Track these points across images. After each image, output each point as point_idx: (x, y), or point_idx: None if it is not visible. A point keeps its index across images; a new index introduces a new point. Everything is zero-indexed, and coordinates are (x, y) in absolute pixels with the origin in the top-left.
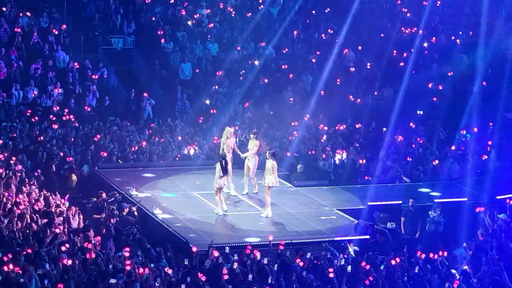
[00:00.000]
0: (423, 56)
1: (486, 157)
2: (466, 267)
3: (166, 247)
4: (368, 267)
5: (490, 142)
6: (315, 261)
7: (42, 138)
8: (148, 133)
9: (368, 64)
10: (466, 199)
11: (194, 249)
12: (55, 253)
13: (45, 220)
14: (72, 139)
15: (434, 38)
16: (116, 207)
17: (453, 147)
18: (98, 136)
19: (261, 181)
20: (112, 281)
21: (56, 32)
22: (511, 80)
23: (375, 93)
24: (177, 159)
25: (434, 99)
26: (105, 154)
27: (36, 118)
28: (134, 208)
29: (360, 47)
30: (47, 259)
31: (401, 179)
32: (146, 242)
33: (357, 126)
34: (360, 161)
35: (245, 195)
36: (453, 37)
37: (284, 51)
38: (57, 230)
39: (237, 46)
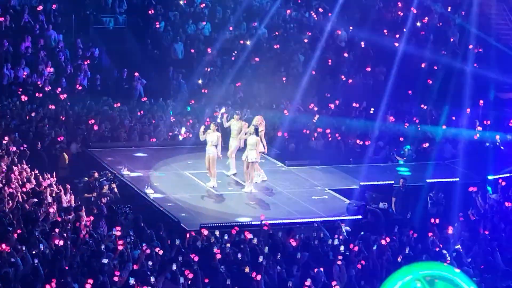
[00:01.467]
0: (416, 36)
1: (478, 135)
2: (459, 246)
3: (158, 226)
4: (356, 249)
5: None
6: (307, 241)
7: (32, 116)
8: (140, 113)
9: (362, 43)
10: (458, 179)
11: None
12: (47, 233)
13: (35, 200)
14: (63, 118)
15: (426, 18)
16: (97, 184)
17: (444, 127)
18: (93, 121)
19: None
20: (104, 261)
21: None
22: (502, 60)
23: (368, 69)
24: (168, 138)
25: (429, 81)
26: (96, 127)
27: (27, 97)
28: (113, 185)
29: (351, 27)
30: (40, 239)
31: (394, 158)
32: (141, 222)
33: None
34: (359, 142)
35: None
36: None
37: (276, 33)
38: (51, 210)
39: (229, 26)
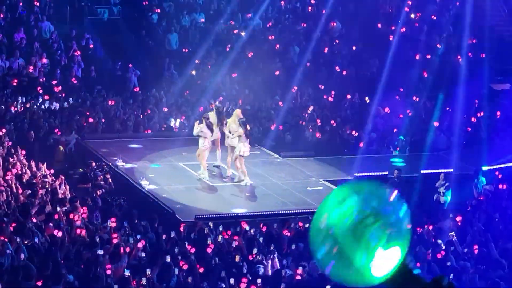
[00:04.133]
0: (411, 27)
1: (470, 129)
2: (453, 233)
3: (153, 218)
4: None
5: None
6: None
7: (27, 108)
8: (134, 104)
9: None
10: (452, 170)
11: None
12: (42, 224)
13: (30, 191)
14: (58, 109)
15: (419, 13)
16: (92, 175)
17: (436, 123)
18: (87, 112)
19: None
20: (100, 252)
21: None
22: (498, 52)
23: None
24: (163, 129)
25: (425, 74)
26: (90, 119)
27: (21, 88)
28: (107, 176)
29: (346, 19)
30: (35, 230)
31: (388, 150)
32: (136, 215)
33: (345, 97)
34: (353, 133)
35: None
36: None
37: (270, 24)
38: (45, 201)
39: (223, 17)
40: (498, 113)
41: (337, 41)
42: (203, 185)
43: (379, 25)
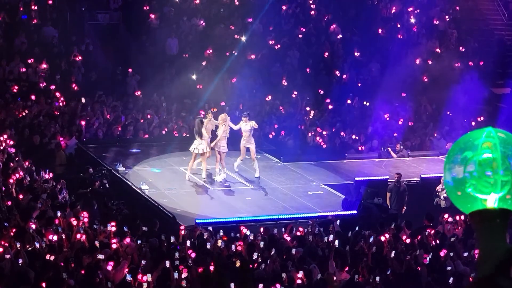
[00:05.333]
0: (410, 32)
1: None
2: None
3: (153, 222)
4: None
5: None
6: (303, 235)
7: (27, 113)
8: (134, 109)
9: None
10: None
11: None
12: (43, 229)
13: (31, 196)
14: (58, 114)
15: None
16: (88, 181)
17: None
18: (88, 117)
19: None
20: (100, 256)
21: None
22: (498, 56)
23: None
24: (163, 134)
25: (425, 79)
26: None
27: (22, 93)
28: (105, 181)
29: (347, 23)
30: (35, 235)
31: (388, 154)
32: (138, 219)
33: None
34: (354, 137)
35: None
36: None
37: (270, 28)
38: (46, 206)
39: (224, 21)
40: (499, 117)
41: (338, 45)
42: (204, 189)
43: (380, 30)
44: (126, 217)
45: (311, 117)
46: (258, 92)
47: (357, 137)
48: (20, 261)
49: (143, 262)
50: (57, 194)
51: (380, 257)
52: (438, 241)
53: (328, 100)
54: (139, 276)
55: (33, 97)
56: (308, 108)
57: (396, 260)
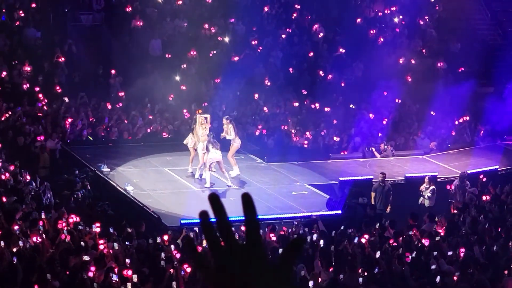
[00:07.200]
0: (394, 32)
1: (454, 132)
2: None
3: (139, 223)
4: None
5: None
6: (286, 235)
7: (10, 114)
8: (118, 110)
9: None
10: (437, 173)
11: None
12: (28, 231)
13: (15, 197)
14: (41, 115)
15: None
16: (69, 184)
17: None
18: (71, 119)
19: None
20: (86, 258)
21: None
22: (481, 55)
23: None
24: (147, 135)
25: (409, 78)
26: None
27: (5, 95)
28: (86, 183)
29: (330, 23)
30: (20, 236)
31: (373, 154)
32: (123, 220)
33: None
34: (335, 138)
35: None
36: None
37: (254, 29)
38: (30, 208)
39: (207, 22)
40: (482, 116)
41: (322, 45)
42: (188, 190)
43: (363, 30)
44: (111, 218)
45: (294, 117)
46: (241, 92)
47: (338, 138)
48: (7, 262)
49: (128, 261)
50: (42, 196)
51: (364, 257)
52: (423, 241)
53: (310, 100)
54: (124, 272)
55: (16, 99)
56: (292, 107)
57: (382, 259)
